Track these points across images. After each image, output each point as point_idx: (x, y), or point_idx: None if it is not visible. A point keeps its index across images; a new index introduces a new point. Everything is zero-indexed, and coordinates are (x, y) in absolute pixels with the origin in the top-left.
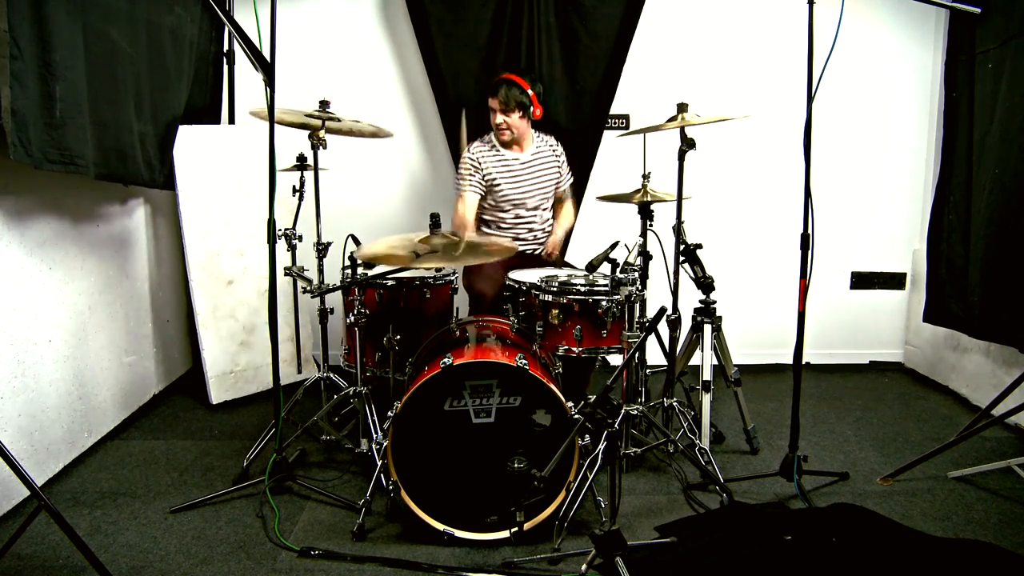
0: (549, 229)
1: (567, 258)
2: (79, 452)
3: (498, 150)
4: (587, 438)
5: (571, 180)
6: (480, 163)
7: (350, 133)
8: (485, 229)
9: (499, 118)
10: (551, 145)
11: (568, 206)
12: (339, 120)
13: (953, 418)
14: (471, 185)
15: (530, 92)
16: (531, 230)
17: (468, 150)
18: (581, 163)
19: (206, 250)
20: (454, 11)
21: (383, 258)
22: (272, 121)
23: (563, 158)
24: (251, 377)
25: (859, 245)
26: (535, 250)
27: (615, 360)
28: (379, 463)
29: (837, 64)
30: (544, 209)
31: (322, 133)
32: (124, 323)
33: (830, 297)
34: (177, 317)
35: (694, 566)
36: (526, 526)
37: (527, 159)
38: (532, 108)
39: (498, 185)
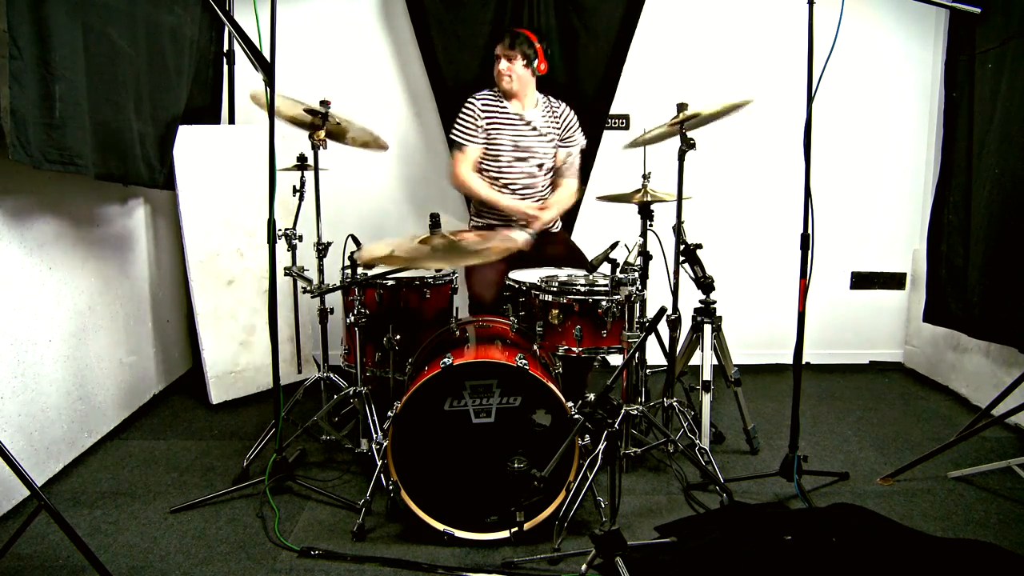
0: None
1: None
2: (79, 452)
3: (501, 101)
4: (587, 438)
5: (583, 144)
6: (482, 110)
7: (348, 142)
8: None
9: (503, 63)
10: (559, 106)
11: (568, 182)
12: (338, 123)
13: (953, 418)
14: (472, 135)
15: (536, 45)
16: (529, 191)
17: (472, 97)
18: (581, 163)
19: (206, 250)
20: (454, 11)
21: (384, 259)
22: (272, 121)
23: (570, 120)
24: (251, 377)
25: (859, 245)
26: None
27: (615, 360)
28: (379, 463)
29: (837, 64)
30: (548, 172)
31: (322, 133)
32: (124, 323)
33: (830, 297)
34: (177, 317)
35: (694, 566)
36: (526, 526)
37: (529, 116)
38: (537, 61)
39: (498, 136)
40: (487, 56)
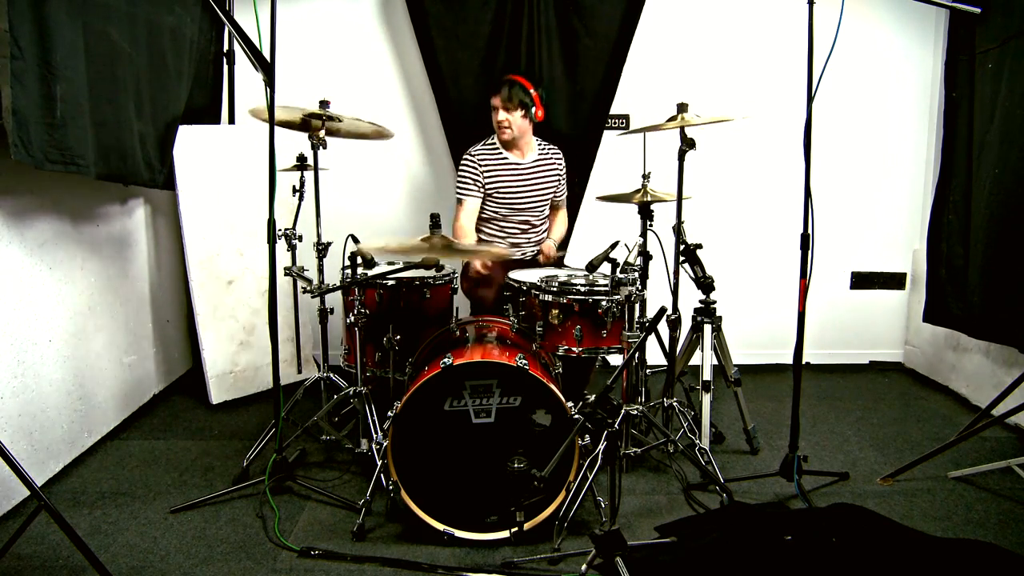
0: (543, 235)
1: (566, 261)
2: (79, 452)
3: (500, 153)
4: (587, 438)
5: (565, 193)
6: (480, 164)
7: (350, 135)
8: (482, 232)
9: (501, 115)
10: (555, 154)
11: (562, 214)
12: (339, 120)
13: (953, 418)
14: (471, 189)
15: (532, 92)
16: (527, 234)
17: (468, 152)
18: (581, 163)
19: (206, 250)
20: (454, 11)
21: (385, 249)
22: (272, 121)
23: (563, 169)
24: (251, 377)
25: (859, 245)
26: (533, 254)
27: (615, 360)
28: (379, 463)
29: (837, 64)
30: (541, 217)
31: (322, 133)
32: (124, 323)
33: (830, 297)
34: (177, 317)
35: (694, 566)
36: (526, 526)
37: (528, 164)
38: (534, 108)
39: (498, 188)
40: (487, 56)
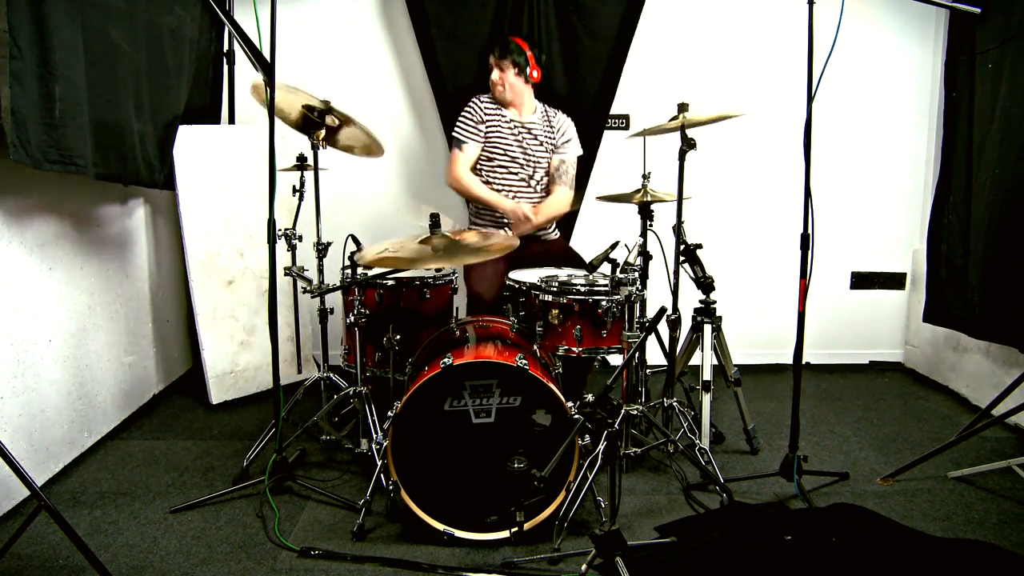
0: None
1: (572, 244)
2: (79, 452)
3: (500, 109)
4: (587, 438)
5: (578, 152)
6: (483, 110)
7: (346, 149)
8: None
9: (495, 73)
10: (551, 117)
11: (560, 190)
12: (338, 122)
13: (953, 418)
14: (473, 134)
15: (527, 52)
16: (525, 196)
17: (476, 98)
18: (581, 164)
19: (206, 250)
20: (454, 11)
21: (384, 261)
22: (272, 121)
23: (564, 128)
24: (251, 377)
25: (859, 245)
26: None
27: (615, 360)
28: (379, 463)
29: (837, 64)
30: (541, 181)
31: (322, 133)
32: (124, 323)
33: (830, 297)
34: (177, 317)
35: (694, 566)
36: (526, 526)
37: (525, 121)
38: (529, 68)
39: (495, 141)
40: (487, 57)
